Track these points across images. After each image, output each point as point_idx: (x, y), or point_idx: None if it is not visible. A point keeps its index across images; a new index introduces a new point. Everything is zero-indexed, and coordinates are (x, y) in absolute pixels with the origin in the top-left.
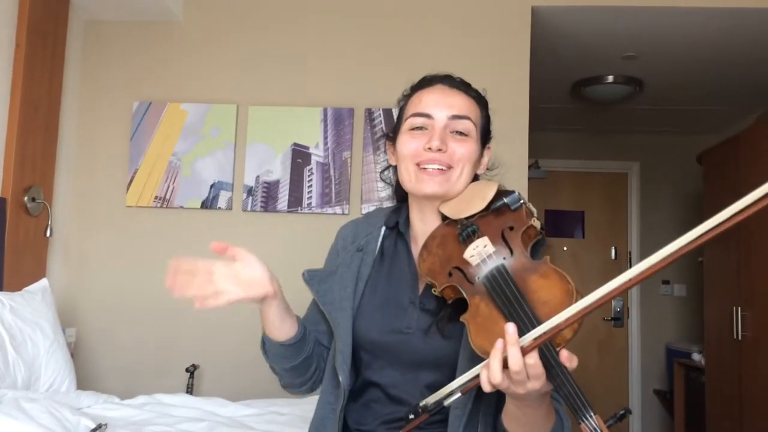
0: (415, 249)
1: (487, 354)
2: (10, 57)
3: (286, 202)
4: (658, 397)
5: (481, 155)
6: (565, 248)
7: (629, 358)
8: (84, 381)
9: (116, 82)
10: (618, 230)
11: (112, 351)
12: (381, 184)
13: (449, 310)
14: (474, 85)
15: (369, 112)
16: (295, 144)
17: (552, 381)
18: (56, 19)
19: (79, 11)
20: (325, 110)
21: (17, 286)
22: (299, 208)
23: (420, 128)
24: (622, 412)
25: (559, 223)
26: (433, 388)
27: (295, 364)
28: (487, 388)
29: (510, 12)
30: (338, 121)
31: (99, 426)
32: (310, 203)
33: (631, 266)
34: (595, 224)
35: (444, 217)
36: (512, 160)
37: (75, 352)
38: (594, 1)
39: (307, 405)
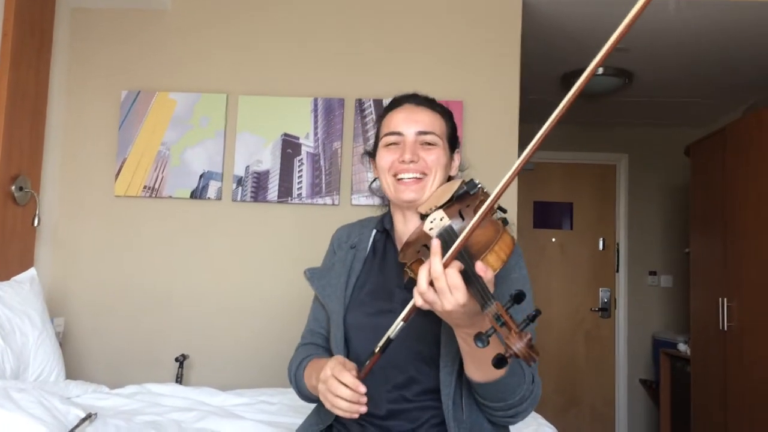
0: (400, 246)
1: None
2: None
3: (276, 193)
4: (644, 386)
5: (451, 159)
6: (553, 239)
7: (616, 348)
8: (72, 371)
9: (104, 71)
10: (606, 221)
11: (100, 341)
12: (371, 174)
13: None
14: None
15: (359, 103)
16: (285, 134)
17: (471, 289)
18: (43, 7)
19: None
20: (315, 100)
21: (5, 276)
22: (289, 198)
23: (394, 144)
24: (515, 293)
25: (548, 215)
26: (421, 358)
27: None
28: (419, 301)
29: (501, 3)
30: (328, 111)
31: (89, 415)
32: (301, 193)
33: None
34: (584, 215)
35: (422, 217)
36: (502, 152)
37: (63, 341)
38: None
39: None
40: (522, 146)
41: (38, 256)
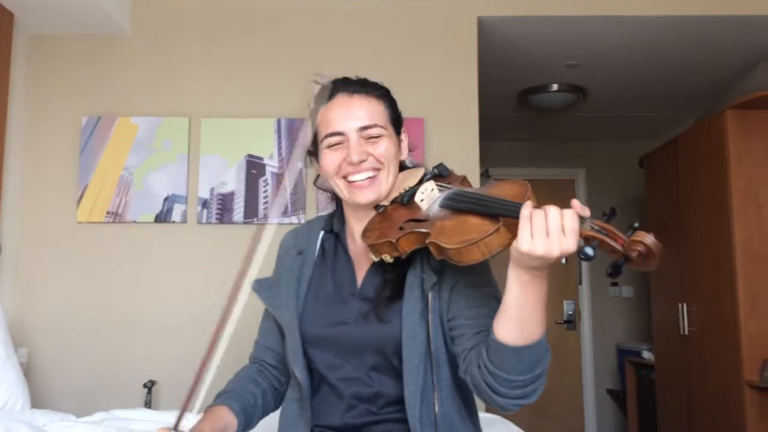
0: (353, 246)
1: (469, 242)
2: None
3: (241, 214)
4: (612, 396)
5: (399, 143)
6: None
7: (582, 359)
8: (38, 401)
9: (64, 97)
10: None
11: (65, 370)
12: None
13: (386, 295)
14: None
15: None
16: (249, 155)
17: None
18: None
19: (24, 26)
20: (278, 121)
21: None
22: (255, 219)
23: (338, 144)
24: (609, 209)
25: None
26: (379, 369)
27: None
28: (525, 245)
29: (456, 22)
30: (292, 131)
31: None
32: (266, 214)
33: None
34: None
35: (377, 207)
36: (464, 170)
37: (27, 372)
38: (538, 11)
39: (269, 417)
40: (482, 164)
41: None
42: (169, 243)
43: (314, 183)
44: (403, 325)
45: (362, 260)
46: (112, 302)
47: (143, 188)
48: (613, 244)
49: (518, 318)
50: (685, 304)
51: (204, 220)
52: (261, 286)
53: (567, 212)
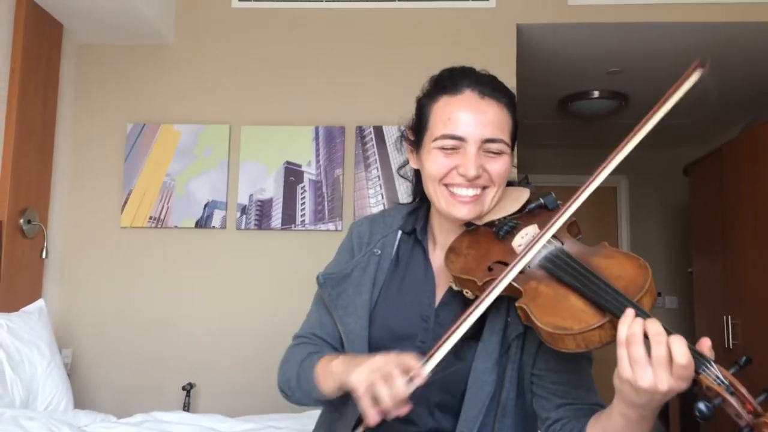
0: (434, 256)
1: (565, 331)
2: (5, 81)
3: (279, 220)
4: None
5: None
6: None
7: None
8: (80, 402)
9: (110, 105)
10: (608, 243)
11: (108, 371)
12: (373, 200)
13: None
14: None
15: (360, 130)
16: (288, 162)
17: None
18: (50, 44)
19: (72, 35)
20: (316, 129)
21: (14, 307)
22: (293, 225)
23: (452, 149)
24: (744, 358)
25: None
26: (442, 408)
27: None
28: (626, 372)
29: (495, 30)
30: (330, 139)
31: None
32: (304, 220)
33: None
34: (585, 238)
35: (468, 224)
36: None
37: (71, 372)
38: (578, 18)
39: (306, 419)
40: (521, 171)
41: (46, 287)
42: (208, 248)
43: (397, 171)
44: (472, 368)
45: (442, 276)
46: (154, 305)
47: (185, 194)
48: (739, 409)
49: None
50: (729, 317)
51: (243, 226)
52: (327, 281)
53: (680, 350)
